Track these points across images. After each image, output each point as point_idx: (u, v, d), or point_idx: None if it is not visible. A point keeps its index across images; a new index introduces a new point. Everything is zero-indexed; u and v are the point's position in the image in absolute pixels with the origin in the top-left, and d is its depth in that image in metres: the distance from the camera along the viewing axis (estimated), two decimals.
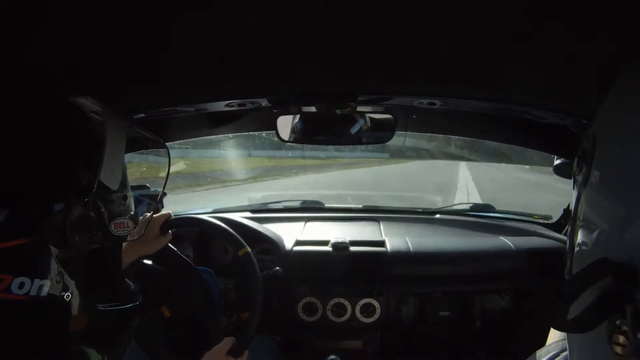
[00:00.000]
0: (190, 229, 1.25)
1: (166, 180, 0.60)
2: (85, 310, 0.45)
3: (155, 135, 0.62)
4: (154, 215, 0.88)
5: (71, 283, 0.43)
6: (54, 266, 0.42)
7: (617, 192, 0.35)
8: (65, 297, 0.42)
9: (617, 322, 0.32)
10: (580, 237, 0.41)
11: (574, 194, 0.42)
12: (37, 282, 0.40)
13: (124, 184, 0.50)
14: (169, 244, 0.99)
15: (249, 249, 1.03)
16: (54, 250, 0.42)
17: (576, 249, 0.41)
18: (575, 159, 0.43)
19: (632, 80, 0.38)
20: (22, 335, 0.40)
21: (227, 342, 0.90)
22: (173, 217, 1.00)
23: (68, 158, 0.44)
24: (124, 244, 0.85)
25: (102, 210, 0.47)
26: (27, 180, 0.42)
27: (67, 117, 0.46)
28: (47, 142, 0.43)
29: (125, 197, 0.50)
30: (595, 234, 0.38)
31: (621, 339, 0.32)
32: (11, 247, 0.40)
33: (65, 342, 0.43)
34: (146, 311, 0.99)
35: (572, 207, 0.44)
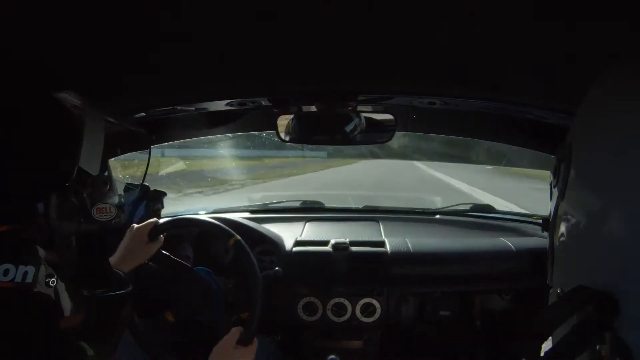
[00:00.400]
0: (191, 229, 1.24)
1: (145, 173, 0.61)
2: (73, 298, 0.45)
3: (154, 133, 0.62)
4: (138, 226, 0.88)
5: (56, 269, 0.44)
6: (38, 252, 0.43)
7: (593, 198, 0.35)
8: (50, 282, 0.43)
9: (597, 348, 0.32)
10: (560, 245, 0.41)
11: (552, 204, 0.42)
12: (21, 268, 0.40)
13: (104, 170, 0.51)
14: (161, 250, 0.99)
15: (239, 237, 1.01)
16: (37, 236, 0.43)
17: (556, 256, 0.42)
18: (552, 170, 0.43)
19: (609, 80, 0.38)
20: (9, 321, 0.41)
21: (235, 332, 0.90)
22: (164, 220, 1.00)
23: (47, 146, 0.45)
24: (117, 256, 0.86)
25: (84, 195, 0.48)
26: (7, 168, 0.42)
27: (45, 109, 0.46)
28: (25, 132, 0.44)
29: (105, 182, 0.51)
30: (573, 242, 0.38)
31: None
32: None
33: (52, 328, 0.44)
34: (151, 316, 1.00)
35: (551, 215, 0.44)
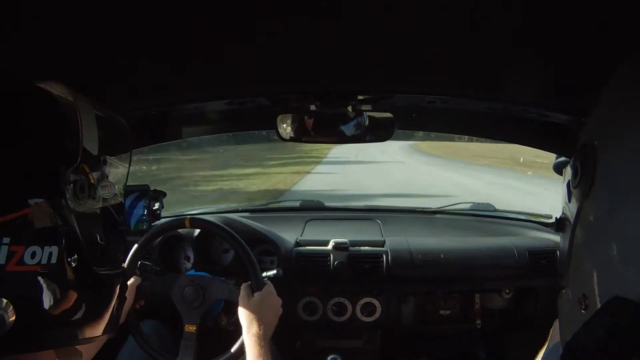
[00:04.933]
0: (190, 230, 1.24)
1: (128, 172, 0.62)
2: (85, 276, 0.46)
3: (154, 133, 0.62)
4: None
5: (74, 247, 0.44)
6: (58, 231, 0.43)
7: (620, 201, 0.35)
8: (72, 261, 0.43)
9: None
10: (579, 247, 0.40)
11: (573, 204, 0.42)
12: (46, 249, 0.41)
13: (100, 150, 0.53)
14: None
15: (190, 215, 1.04)
16: (55, 214, 0.43)
17: (573, 257, 0.41)
18: (572, 169, 0.42)
19: (631, 79, 0.37)
20: (38, 304, 0.41)
21: (245, 287, 0.93)
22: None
23: (54, 130, 0.47)
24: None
25: (89, 173, 0.49)
26: (21, 154, 0.43)
27: (45, 97, 0.48)
28: (34, 121, 0.45)
29: (104, 161, 0.53)
30: (591, 237, 0.38)
31: None
32: (17, 218, 0.40)
33: (74, 308, 0.44)
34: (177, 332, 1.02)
35: (568, 215, 0.43)
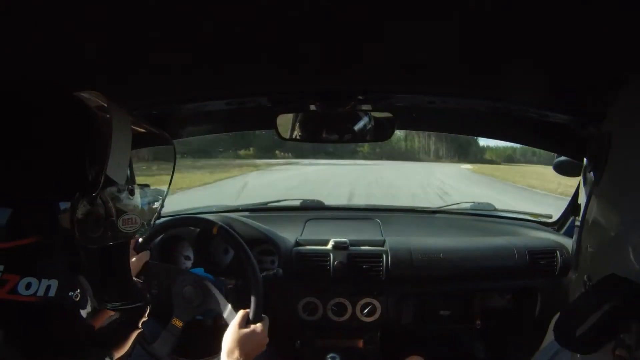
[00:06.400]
0: (190, 229, 1.24)
1: (170, 181, 0.57)
2: (96, 311, 0.44)
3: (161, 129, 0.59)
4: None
5: (80, 282, 0.42)
6: (62, 265, 0.41)
7: (629, 193, 0.35)
8: (74, 296, 0.41)
9: (621, 336, 0.32)
10: (589, 237, 0.41)
11: (583, 193, 0.42)
12: (44, 282, 0.39)
13: (130, 178, 0.48)
14: (149, 261, 1.00)
15: (221, 224, 1.05)
16: (61, 248, 0.41)
17: (584, 249, 0.42)
18: (586, 158, 0.43)
19: None
20: (31, 337, 0.39)
21: (243, 314, 0.94)
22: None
23: (73, 153, 0.43)
24: None
25: (110, 206, 0.45)
26: (32, 177, 0.40)
27: (70, 112, 0.44)
28: (50, 138, 0.42)
29: (132, 192, 0.48)
30: (604, 236, 0.38)
31: (624, 352, 0.32)
32: (18, 246, 0.38)
33: (74, 343, 0.42)
34: (162, 326, 1.02)
35: (579, 206, 0.44)
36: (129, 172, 0.47)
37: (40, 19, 0.46)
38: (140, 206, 0.49)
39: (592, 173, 0.41)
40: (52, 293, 0.39)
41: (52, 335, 0.41)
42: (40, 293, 0.38)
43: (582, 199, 0.44)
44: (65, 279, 0.40)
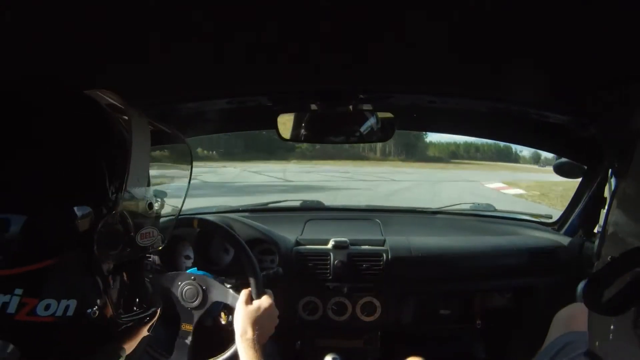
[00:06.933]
0: (191, 230, 1.24)
1: (188, 188, 0.55)
2: (111, 323, 0.43)
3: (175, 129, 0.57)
4: None
5: (97, 298, 0.42)
6: (80, 284, 0.40)
7: None
8: (91, 314, 0.41)
9: None
10: (610, 246, 0.41)
11: (614, 179, 0.43)
12: (63, 302, 0.38)
13: (149, 189, 0.47)
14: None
15: (200, 217, 1.05)
16: (80, 267, 0.40)
17: (604, 257, 0.42)
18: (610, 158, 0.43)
19: None
20: (47, 355, 0.39)
21: (245, 292, 0.94)
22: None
23: (92, 168, 0.41)
24: None
25: (129, 222, 0.43)
26: (49, 196, 0.39)
27: (88, 121, 0.43)
28: (67, 153, 0.41)
29: (150, 205, 0.47)
30: (626, 246, 0.39)
31: None
32: (37, 270, 0.38)
33: (89, 357, 0.42)
34: (173, 332, 1.02)
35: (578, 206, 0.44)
36: (148, 182, 0.46)
37: (40, 18, 0.46)
38: (158, 218, 0.48)
39: (613, 179, 0.42)
40: (70, 312, 0.39)
41: (69, 353, 0.41)
42: (59, 313, 0.38)
43: (583, 201, 0.44)
44: (83, 297, 0.40)
